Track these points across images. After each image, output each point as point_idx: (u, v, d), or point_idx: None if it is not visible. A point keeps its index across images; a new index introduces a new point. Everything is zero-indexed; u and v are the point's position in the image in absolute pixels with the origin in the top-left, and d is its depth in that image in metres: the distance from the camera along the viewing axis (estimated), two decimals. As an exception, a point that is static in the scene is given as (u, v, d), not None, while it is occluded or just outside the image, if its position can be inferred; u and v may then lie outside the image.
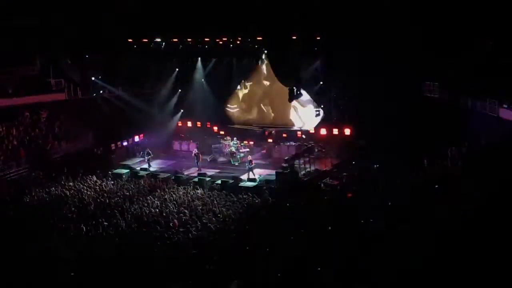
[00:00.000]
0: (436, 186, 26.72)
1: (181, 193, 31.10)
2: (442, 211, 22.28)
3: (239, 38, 40.42)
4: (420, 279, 16.50)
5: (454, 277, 16.17)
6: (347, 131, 39.17)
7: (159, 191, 31.67)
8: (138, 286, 19.84)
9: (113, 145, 41.30)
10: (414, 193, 26.47)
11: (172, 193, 31.05)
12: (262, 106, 43.76)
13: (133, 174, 36.47)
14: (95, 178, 34.69)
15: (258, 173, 35.66)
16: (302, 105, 41.63)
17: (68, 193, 31.69)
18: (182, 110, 45.96)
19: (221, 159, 40.41)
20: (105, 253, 22.81)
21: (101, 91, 44.92)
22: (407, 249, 18.73)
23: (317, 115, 39.92)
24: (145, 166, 38.72)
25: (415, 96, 36.53)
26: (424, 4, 34.79)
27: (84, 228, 25.95)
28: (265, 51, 40.72)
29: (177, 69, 45.84)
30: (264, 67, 42.91)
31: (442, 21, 33.90)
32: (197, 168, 37.63)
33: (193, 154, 38.62)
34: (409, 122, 34.68)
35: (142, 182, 33.81)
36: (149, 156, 39.14)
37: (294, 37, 37.53)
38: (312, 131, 40.70)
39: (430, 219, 21.85)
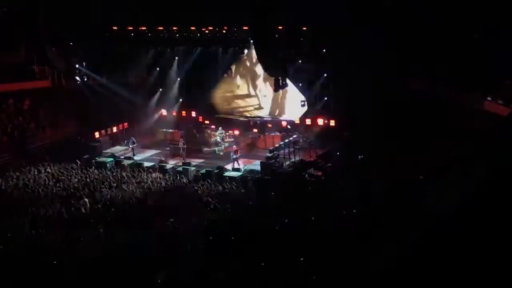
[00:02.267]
0: (421, 177, 26.83)
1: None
2: (428, 204, 22.33)
3: (225, 27, 40.28)
4: (407, 276, 16.46)
5: (442, 275, 16.13)
6: (332, 122, 39.17)
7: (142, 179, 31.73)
8: (123, 275, 19.78)
9: (97, 133, 41.04)
10: (398, 185, 26.57)
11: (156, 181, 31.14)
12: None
13: (117, 162, 36.31)
14: (78, 166, 34.54)
15: (243, 163, 35.67)
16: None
17: (51, 181, 31.56)
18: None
19: (206, 148, 40.31)
20: (88, 241, 22.79)
21: (85, 79, 44.58)
22: (391, 245, 18.74)
23: (303, 105, 39.92)
24: (129, 154, 38.56)
25: (401, 88, 36.59)
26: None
27: (66, 215, 25.90)
28: (251, 41, 40.51)
29: (162, 58, 45.53)
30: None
31: (429, 14, 34.00)
32: (181, 158, 37.46)
33: (179, 145, 38.35)
34: (395, 114, 34.76)
35: (125, 171, 33.82)
36: (134, 145, 38.98)
37: (280, 27, 37.47)
38: (297, 121, 40.69)
39: (415, 212, 21.90)
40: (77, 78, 44.32)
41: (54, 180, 32.09)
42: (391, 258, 17.37)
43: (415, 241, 18.18)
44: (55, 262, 21.14)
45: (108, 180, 31.93)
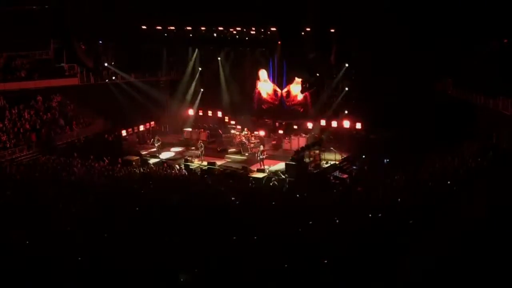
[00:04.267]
0: (448, 182, 26.54)
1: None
2: (455, 209, 22.08)
3: (253, 28, 40.39)
4: (431, 278, 16.27)
5: (469, 279, 15.89)
6: (358, 125, 39.04)
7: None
8: (147, 276, 19.80)
9: (124, 131, 41.37)
10: (424, 189, 26.35)
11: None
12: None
13: (143, 161, 36.57)
14: (105, 164, 34.80)
15: (268, 164, 35.66)
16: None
17: (77, 179, 31.83)
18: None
19: (231, 149, 40.40)
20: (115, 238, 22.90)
21: (113, 77, 45.06)
22: (418, 247, 18.53)
23: None
24: (155, 153, 38.80)
25: (428, 92, 36.38)
26: (440, 2, 34.72)
27: (95, 213, 26.03)
28: (279, 42, 40.63)
29: (190, 58, 45.84)
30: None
31: (457, 18, 33.75)
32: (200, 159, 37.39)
33: (198, 146, 38.09)
34: (421, 117, 34.55)
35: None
36: (158, 143, 39.21)
37: (308, 29, 37.43)
38: (323, 123, 40.63)
39: (442, 216, 21.67)
40: (105, 76, 44.85)
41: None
42: (429, 260, 17.20)
43: (450, 242, 17.99)
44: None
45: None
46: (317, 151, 36.55)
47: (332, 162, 35.78)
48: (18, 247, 22.16)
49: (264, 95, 44.59)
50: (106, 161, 35.00)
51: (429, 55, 34.78)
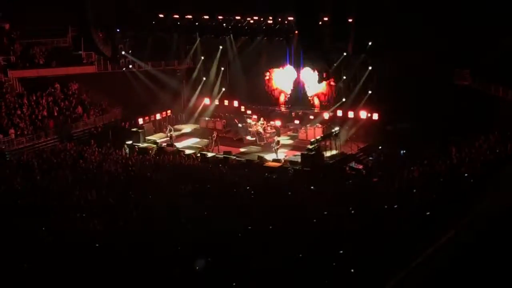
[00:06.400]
0: (466, 175, 26.32)
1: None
2: (472, 201, 21.87)
3: (271, 18, 40.15)
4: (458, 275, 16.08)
5: (493, 276, 15.68)
6: (375, 116, 38.70)
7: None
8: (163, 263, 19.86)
9: (140, 119, 41.50)
10: (440, 181, 26.17)
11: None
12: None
13: (159, 149, 36.66)
14: (121, 152, 34.96)
15: (284, 154, 35.60)
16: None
17: (94, 166, 31.98)
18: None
19: (247, 138, 40.34)
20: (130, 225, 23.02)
21: (130, 66, 45.12)
22: (433, 238, 18.37)
23: None
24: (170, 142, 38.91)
25: (446, 83, 36.03)
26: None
27: (111, 200, 26.19)
28: (296, 32, 40.33)
29: (207, 47, 45.70)
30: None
31: (475, 8, 33.36)
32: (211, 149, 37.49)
33: (211, 138, 38.29)
34: (439, 108, 34.26)
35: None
36: (171, 132, 39.24)
37: (326, 19, 37.18)
38: (339, 114, 40.38)
39: (458, 208, 21.48)
40: (123, 64, 44.92)
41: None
42: (443, 258, 17.05)
43: (467, 241, 17.80)
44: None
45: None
46: (333, 142, 36.44)
47: (348, 153, 35.66)
48: (32, 234, 22.42)
49: (278, 84, 44.09)
50: (125, 150, 35.09)
51: (448, 46, 34.41)
